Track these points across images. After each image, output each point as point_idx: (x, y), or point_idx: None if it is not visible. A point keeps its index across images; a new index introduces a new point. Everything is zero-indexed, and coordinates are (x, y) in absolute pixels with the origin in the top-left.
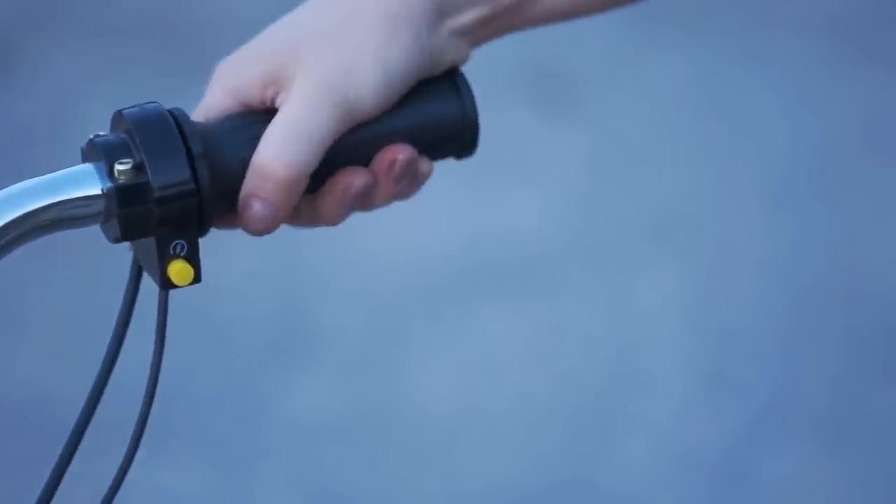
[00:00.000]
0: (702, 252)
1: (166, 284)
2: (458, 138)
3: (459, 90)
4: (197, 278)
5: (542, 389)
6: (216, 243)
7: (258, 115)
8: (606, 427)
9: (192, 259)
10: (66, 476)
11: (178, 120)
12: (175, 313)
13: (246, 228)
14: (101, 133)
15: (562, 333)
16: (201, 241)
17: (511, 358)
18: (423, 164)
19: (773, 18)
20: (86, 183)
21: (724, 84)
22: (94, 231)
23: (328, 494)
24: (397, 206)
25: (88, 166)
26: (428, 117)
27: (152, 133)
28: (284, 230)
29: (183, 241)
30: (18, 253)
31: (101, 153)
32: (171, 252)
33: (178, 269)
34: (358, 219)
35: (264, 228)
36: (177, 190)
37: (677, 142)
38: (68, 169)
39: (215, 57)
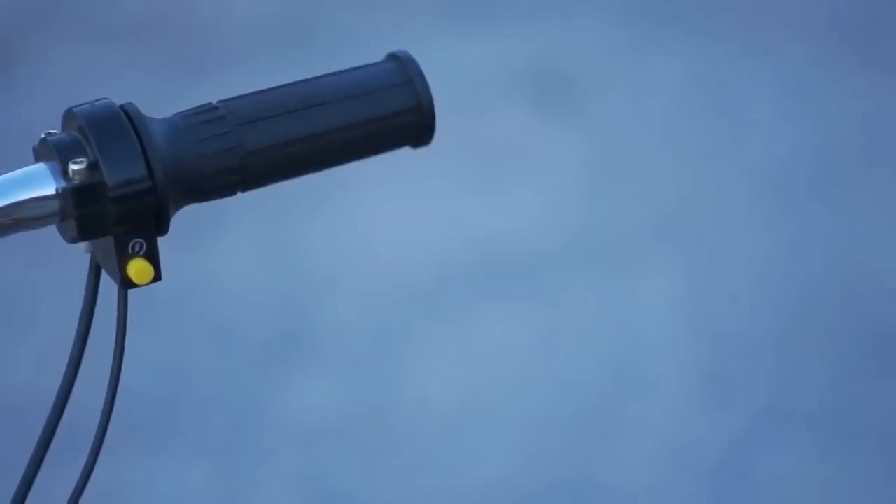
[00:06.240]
0: (701, 253)
1: (126, 283)
2: (414, 129)
3: (409, 75)
4: (157, 276)
5: (542, 389)
6: (216, 243)
7: (212, 111)
8: (606, 427)
9: (152, 257)
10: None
11: (131, 116)
12: (175, 313)
13: None
14: (53, 131)
15: (562, 334)
16: (198, 240)
17: (511, 358)
18: None
19: (772, 20)
20: (40, 183)
21: (722, 85)
22: None
23: (328, 494)
24: (398, 206)
25: (42, 166)
26: (379, 110)
27: (106, 130)
28: (285, 230)
29: (142, 240)
30: (18, 253)
31: (54, 152)
32: (130, 251)
33: (138, 268)
34: (358, 219)
35: None
36: (133, 188)
37: (676, 143)
38: (21, 169)
39: (215, 57)
